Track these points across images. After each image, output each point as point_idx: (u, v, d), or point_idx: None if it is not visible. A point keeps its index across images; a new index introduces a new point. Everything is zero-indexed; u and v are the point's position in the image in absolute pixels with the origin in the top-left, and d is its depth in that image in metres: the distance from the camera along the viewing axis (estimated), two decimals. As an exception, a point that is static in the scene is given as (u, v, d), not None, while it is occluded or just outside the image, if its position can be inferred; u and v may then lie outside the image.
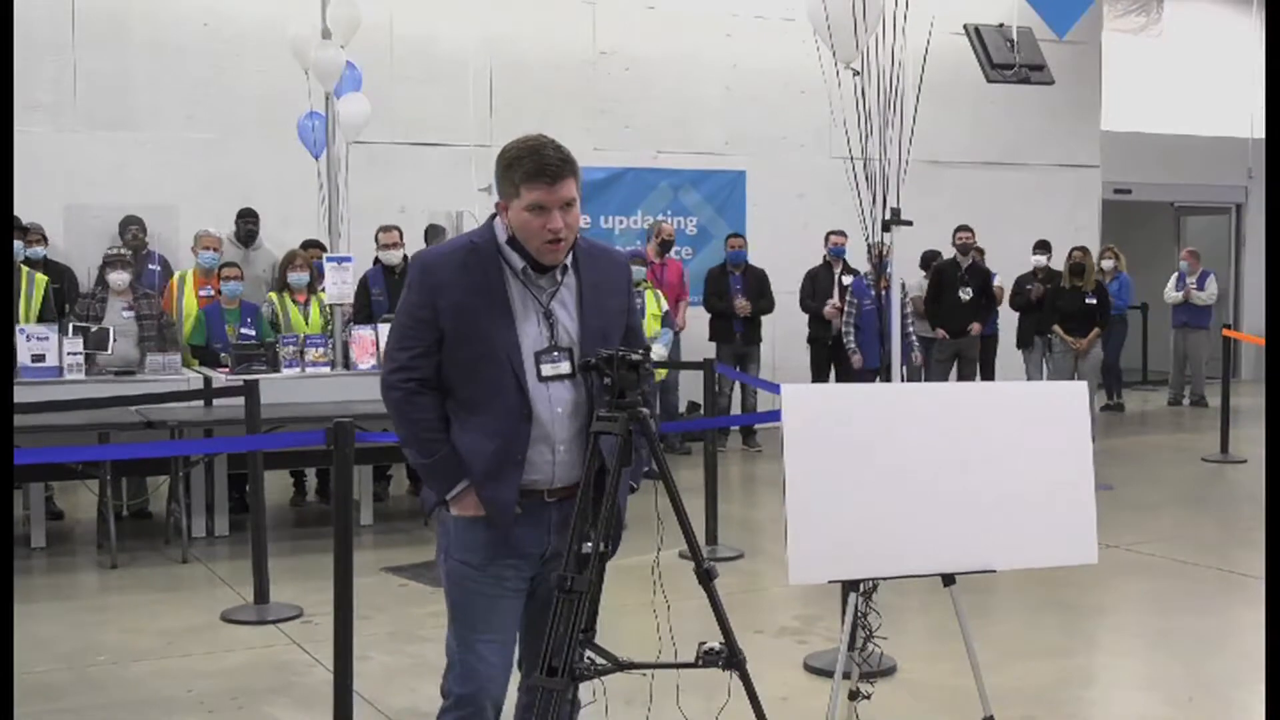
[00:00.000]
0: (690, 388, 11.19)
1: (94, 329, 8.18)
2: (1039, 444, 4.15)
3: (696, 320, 11.49)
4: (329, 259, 8.73)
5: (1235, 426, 11.22)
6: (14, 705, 3.38)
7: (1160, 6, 16.95)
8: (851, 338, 10.64)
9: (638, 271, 10.01)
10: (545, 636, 3.05)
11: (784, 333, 11.67)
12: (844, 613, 4.33)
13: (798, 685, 5.13)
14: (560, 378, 3.14)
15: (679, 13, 12.46)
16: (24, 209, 8.93)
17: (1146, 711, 5.03)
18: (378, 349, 8.26)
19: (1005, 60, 6.65)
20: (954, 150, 13.20)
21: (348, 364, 8.58)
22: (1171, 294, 14.40)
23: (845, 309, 10.78)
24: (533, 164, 3.06)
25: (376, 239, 9.55)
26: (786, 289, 11.47)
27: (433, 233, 10.54)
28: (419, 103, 11.35)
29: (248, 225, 10.08)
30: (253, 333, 8.73)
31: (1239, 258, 17.39)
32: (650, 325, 9.93)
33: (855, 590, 4.27)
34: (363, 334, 8.57)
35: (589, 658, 3.11)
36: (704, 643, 3.27)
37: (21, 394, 7.14)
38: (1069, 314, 11.14)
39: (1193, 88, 16.73)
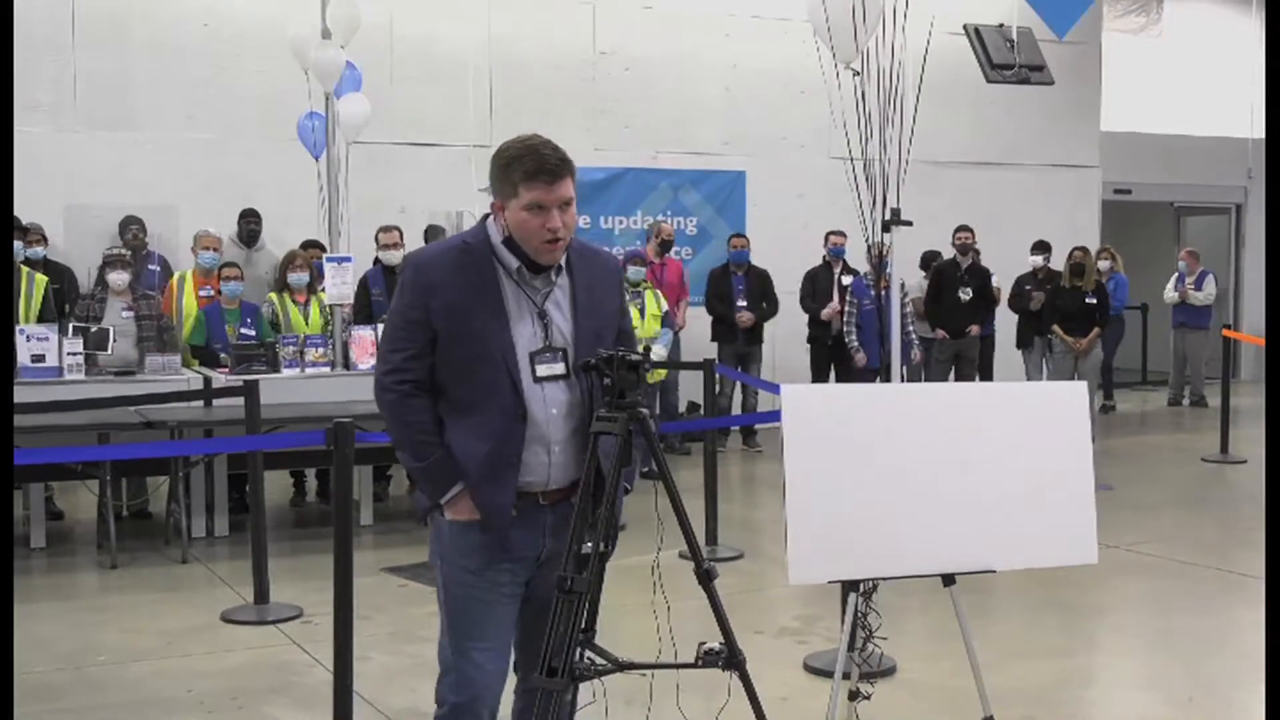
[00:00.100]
0: (690, 388, 11.19)
1: (94, 329, 8.18)
2: (1039, 444, 4.15)
3: (697, 320, 11.49)
4: (329, 259, 8.73)
5: (1235, 427, 11.22)
6: (14, 705, 3.38)
7: (1160, 7, 16.95)
8: (854, 337, 10.64)
9: (637, 272, 10.03)
10: (544, 639, 3.04)
11: (784, 333, 11.67)
12: (844, 613, 4.33)
13: (797, 685, 5.13)
14: (555, 378, 3.13)
15: (679, 13, 12.47)
16: (24, 209, 8.93)
17: (1146, 711, 5.03)
18: (378, 349, 8.26)
19: (1005, 60, 6.66)
20: (954, 150, 13.21)
21: (348, 364, 8.58)
22: (1169, 294, 14.41)
23: (845, 309, 10.79)
24: (532, 163, 3.05)
25: (376, 239, 9.56)
26: (786, 289, 11.47)
27: (433, 233, 10.54)
28: (419, 103, 11.35)
29: (250, 226, 10.08)
30: (253, 333, 8.73)
31: (1239, 258, 17.38)
32: (650, 325, 9.94)
33: (855, 590, 4.27)
34: (363, 334, 8.57)
35: (589, 658, 3.11)
36: (704, 643, 3.27)
37: (21, 394, 7.14)
38: (1069, 314, 11.14)
39: (1192, 88, 16.73)
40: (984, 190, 13.57)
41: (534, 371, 3.11)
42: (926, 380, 11.19)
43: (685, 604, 3.61)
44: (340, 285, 8.58)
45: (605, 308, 3.27)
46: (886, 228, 5.55)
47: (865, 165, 5.48)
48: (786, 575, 3.91)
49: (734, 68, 12.71)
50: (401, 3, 11.33)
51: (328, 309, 8.79)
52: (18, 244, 8.63)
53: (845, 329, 10.76)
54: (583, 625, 3.06)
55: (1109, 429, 12.57)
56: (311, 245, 9.72)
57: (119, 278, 8.47)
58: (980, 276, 11.67)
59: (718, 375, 8.70)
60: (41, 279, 8.59)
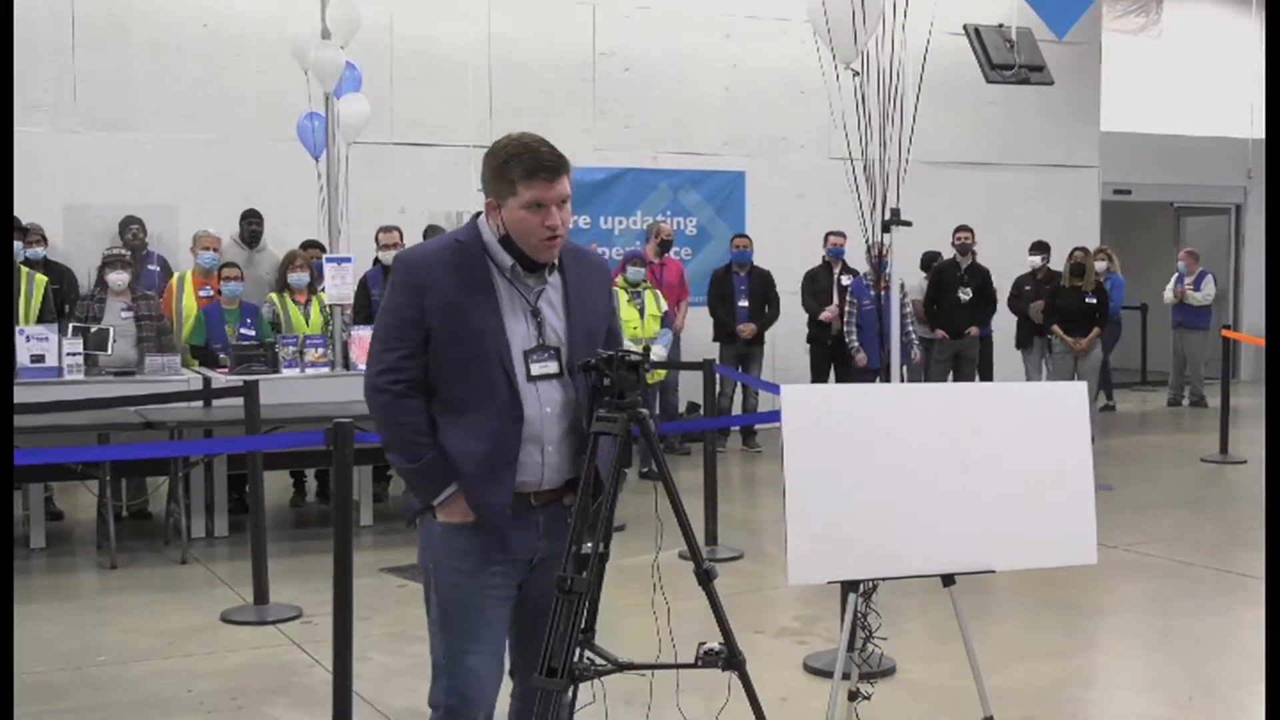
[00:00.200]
0: (690, 388, 11.19)
1: (93, 329, 8.18)
2: (1039, 444, 4.14)
3: (698, 321, 11.49)
4: (328, 259, 8.73)
5: (1235, 427, 11.22)
6: (14, 706, 3.38)
7: (1160, 7, 16.95)
8: (854, 337, 10.64)
9: (637, 272, 10.03)
10: (541, 640, 3.03)
11: (784, 333, 11.67)
12: (843, 613, 4.33)
13: (797, 686, 5.13)
14: (548, 377, 3.12)
15: (678, 13, 12.47)
16: (24, 209, 8.93)
17: (1146, 712, 5.03)
18: (369, 349, 8.26)
19: (1005, 61, 6.65)
20: (953, 151, 13.20)
21: (347, 364, 8.58)
22: (1168, 295, 14.41)
23: (845, 309, 10.79)
24: (531, 161, 3.04)
25: (376, 239, 9.57)
26: (786, 290, 11.47)
27: (432, 233, 10.53)
28: (419, 103, 11.35)
29: (251, 226, 10.08)
30: (253, 333, 8.73)
31: (1238, 258, 17.38)
32: (649, 325, 9.94)
33: (855, 591, 4.27)
34: (362, 334, 8.56)
35: (588, 658, 3.11)
36: (703, 643, 3.27)
37: (21, 394, 7.14)
38: (1069, 314, 11.14)
39: (1192, 88, 16.72)
40: (984, 190, 13.57)
41: (528, 370, 3.10)
42: (926, 381, 11.18)
43: (685, 604, 3.61)
44: (340, 285, 8.58)
45: (596, 307, 3.27)
46: (886, 228, 5.55)
47: (865, 165, 5.48)
48: (786, 575, 3.91)
49: (734, 68, 12.71)
50: (401, 3, 11.33)
51: (328, 309, 8.79)
52: (17, 244, 8.63)
53: (845, 329, 10.76)
54: (582, 625, 3.06)
55: (1109, 429, 12.57)
56: (311, 245, 9.72)
57: (119, 278, 8.47)
58: (980, 277, 11.67)
59: (718, 376, 8.70)
60: (41, 279, 8.59)
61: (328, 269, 8.64)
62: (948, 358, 11.57)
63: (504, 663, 3.26)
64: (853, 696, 4.42)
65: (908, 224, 5.55)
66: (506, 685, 3.31)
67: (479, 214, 3.20)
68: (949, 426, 4.09)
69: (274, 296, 9.01)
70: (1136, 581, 6.92)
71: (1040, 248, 12.39)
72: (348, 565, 4.77)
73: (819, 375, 11.25)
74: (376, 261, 9.41)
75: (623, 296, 9.97)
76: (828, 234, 11.30)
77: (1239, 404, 12.98)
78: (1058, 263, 12.02)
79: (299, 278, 8.89)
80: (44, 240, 9.32)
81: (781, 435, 3.92)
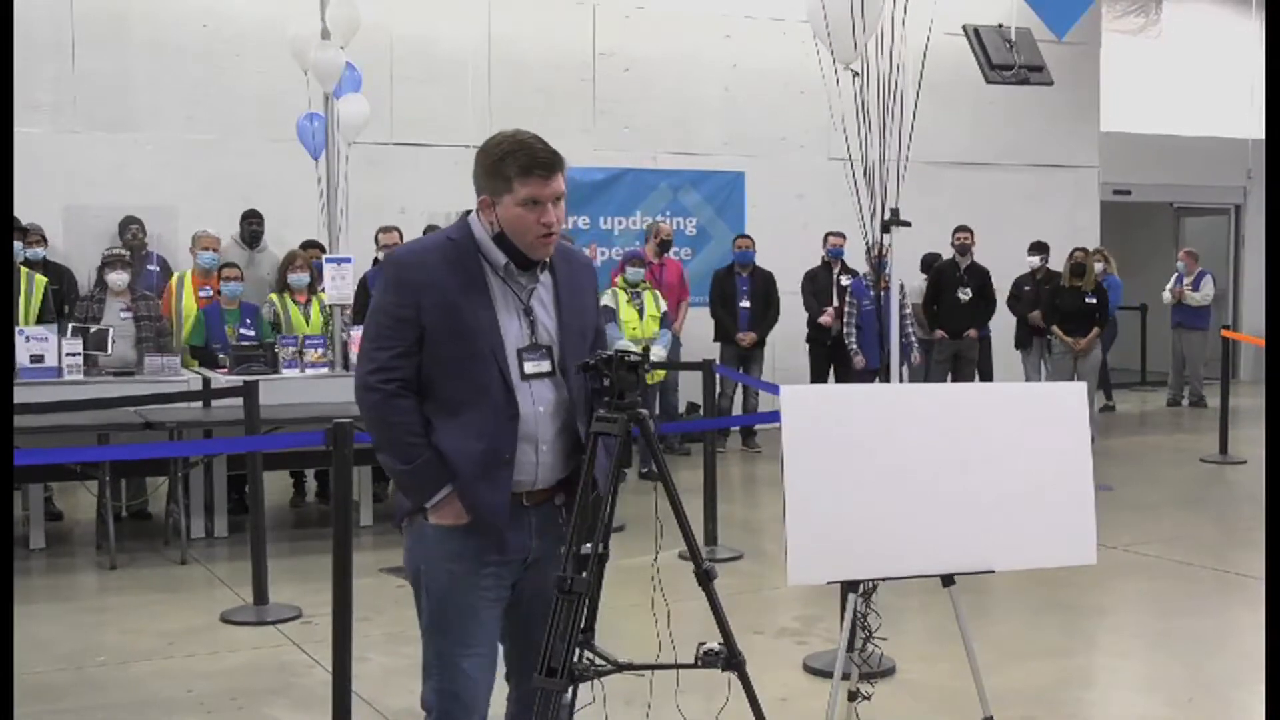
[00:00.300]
0: (690, 388, 11.19)
1: (93, 330, 8.18)
2: (1038, 444, 4.14)
3: (699, 321, 11.48)
4: (328, 259, 8.73)
5: (1234, 427, 11.22)
6: (14, 706, 3.38)
7: (1159, 7, 16.96)
8: (853, 338, 10.64)
9: (636, 273, 10.03)
10: (539, 641, 3.03)
11: (784, 334, 11.66)
12: (843, 613, 4.33)
13: (797, 686, 5.13)
14: (540, 376, 3.11)
15: (678, 14, 12.47)
16: (23, 209, 8.93)
17: (1146, 712, 5.04)
18: (360, 348, 8.25)
19: (1004, 61, 6.66)
20: (953, 151, 13.21)
21: (347, 364, 8.58)
22: (1166, 295, 14.41)
23: (845, 310, 10.78)
24: (527, 158, 3.02)
25: (376, 239, 9.57)
26: (785, 290, 11.47)
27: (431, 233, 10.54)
28: (418, 103, 11.36)
29: (252, 227, 10.09)
30: (252, 333, 8.73)
31: (1238, 258, 17.38)
32: (648, 326, 9.94)
33: (854, 591, 4.27)
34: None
35: (588, 658, 3.11)
36: (703, 643, 3.27)
37: (20, 395, 7.13)
38: (1068, 314, 11.14)
39: (1192, 89, 16.73)
40: (983, 191, 13.57)
41: (522, 369, 3.08)
42: (926, 381, 11.18)
43: (685, 604, 3.61)
44: (340, 286, 8.58)
45: (586, 306, 3.27)
46: (886, 228, 5.55)
47: (865, 166, 5.48)
48: (786, 576, 3.91)
49: (733, 68, 12.71)
50: (401, 3, 11.34)
51: (328, 309, 8.79)
52: (17, 244, 8.63)
53: (845, 330, 10.76)
54: (582, 626, 3.06)
55: (1108, 429, 12.57)
56: (311, 246, 9.72)
57: (118, 278, 8.47)
58: (979, 277, 11.67)
59: (718, 376, 8.70)
60: (41, 279, 8.60)
61: (327, 269, 8.64)
62: (947, 358, 11.57)
63: (497, 664, 3.25)
64: (852, 697, 4.42)
65: (907, 224, 5.55)
66: (500, 687, 3.30)
67: (468, 212, 3.18)
68: (948, 427, 4.09)
69: (274, 297, 9.01)
70: (1136, 582, 6.92)
71: (1039, 248, 12.39)
72: (347, 566, 4.76)
73: (818, 376, 11.25)
74: (376, 262, 9.41)
75: (622, 297, 9.97)
76: (827, 234, 11.30)
77: (1238, 404, 12.98)
78: (1057, 263, 12.03)
79: (299, 278, 8.89)
80: (44, 240, 9.32)
81: (781, 436, 3.92)
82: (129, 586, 6.92)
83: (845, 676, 4.30)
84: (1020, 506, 4.08)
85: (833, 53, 5.64)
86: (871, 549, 3.98)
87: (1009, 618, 6.20)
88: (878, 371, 6.33)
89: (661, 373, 10.15)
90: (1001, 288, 12.24)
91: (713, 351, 10.89)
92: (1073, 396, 4.25)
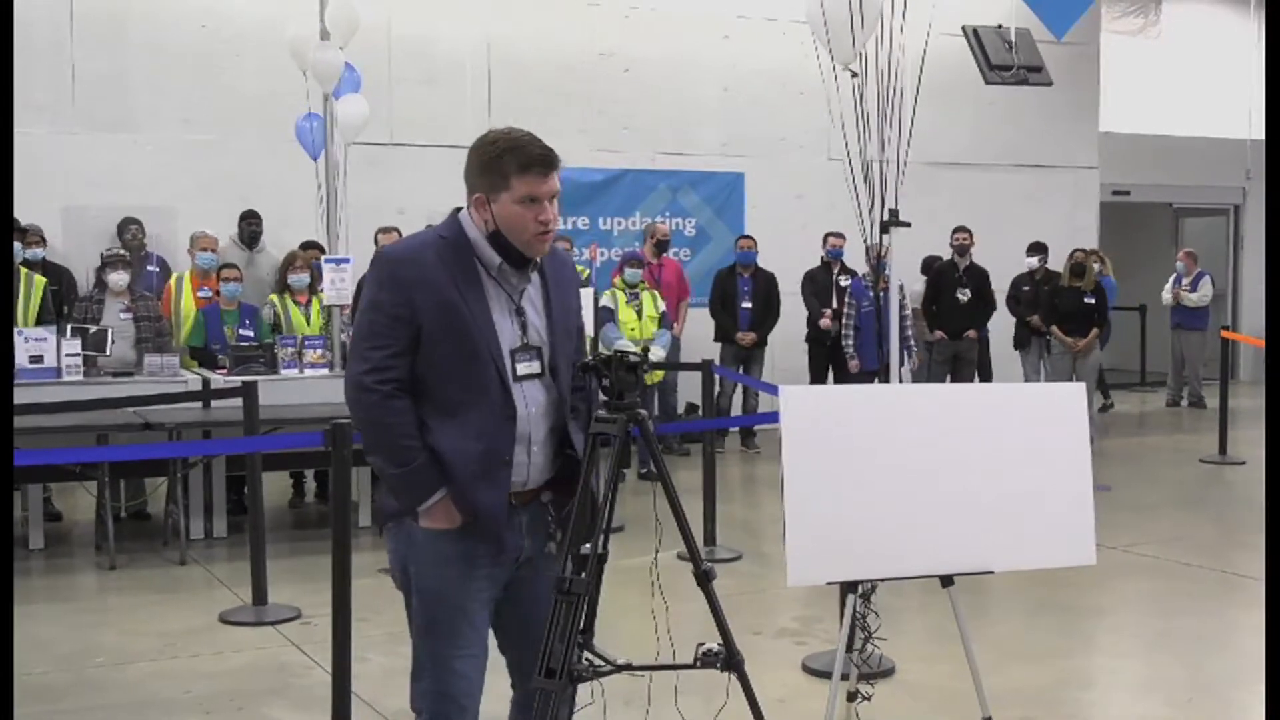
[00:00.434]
0: (689, 389, 11.19)
1: (92, 330, 8.18)
2: (1037, 445, 4.15)
3: (698, 321, 11.48)
4: (327, 260, 8.72)
5: (1234, 428, 11.22)
6: (14, 707, 3.38)
7: (1158, 8, 16.96)
8: (850, 340, 10.64)
9: (634, 274, 10.04)
10: (535, 640, 3.03)
11: (783, 334, 11.66)
12: (842, 614, 4.34)
13: (796, 686, 5.13)
14: (532, 377, 3.10)
15: (677, 14, 12.47)
16: (22, 210, 8.92)
17: (1145, 713, 5.04)
18: (352, 348, 8.24)
19: (1003, 62, 6.64)
20: (952, 152, 13.20)
21: (346, 365, 8.56)
22: (1165, 295, 14.41)
23: (844, 311, 10.78)
24: (526, 155, 3.01)
25: (375, 240, 9.56)
26: (785, 290, 11.47)
27: (431, 234, 10.52)
28: (417, 104, 11.36)
29: (251, 227, 10.09)
30: (251, 334, 8.73)
31: (1237, 259, 17.39)
32: (647, 327, 9.95)
33: (854, 591, 4.27)
34: (361, 335, 8.55)
35: (587, 659, 3.11)
36: (702, 644, 3.27)
37: (19, 395, 7.12)
38: (1067, 314, 11.14)
39: (1191, 89, 16.73)
40: (983, 191, 13.57)
41: (514, 370, 3.07)
42: (925, 383, 11.18)
43: (684, 605, 3.61)
44: (339, 286, 8.57)
45: (572, 305, 3.26)
46: (885, 229, 5.55)
47: (864, 167, 5.48)
48: (785, 576, 3.91)
49: (733, 69, 12.71)
50: (400, 4, 11.34)
51: (327, 310, 8.78)
52: (16, 245, 8.63)
53: (843, 331, 10.75)
54: (581, 626, 3.06)
55: (1107, 430, 12.57)
56: (310, 246, 9.71)
57: (118, 278, 8.47)
58: (978, 278, 11.67)
59: (717, 376, 8.70)
60: (40, 280, 8.59)
61: (326, 270, 8.63)
62: (946, 359, 11.57)
63: (487, 663, 3.23)
64: (852, 697, 4.43)
65: (906, 225, 5.55)
66: (495, 687, 3.30)
67: (459, 209, 3.15)
68: (948, 427, 4.09)
69: (275, 298, 9.01)
70: (1135, 582, 6.92)
71: (1037, 249, 12.40)
72: (346, 566, 4.76)
73: (818, 376, 11.25)
74: (376, 262, 9.39)
75: (621, 298, 9.98)
76: (827, 235, 11.30)
77: (1238, 405, 12.99)
78: (1056, 263, 12.03)
79: (299, 279, 8.89)
80: (43, 241, 9.31)
81: (781, 436, 3.92)
82: (128, 587, 6.92)
83: (844, 677, 4.30)
84: (1019, 507, 4.09)
85: (831, 53, 5.64)
86: (871, 549, 3.99)
87: (1008, 618, 6.20)
88: (877, 373, 6.33)
89: (660, 373, 10.15)
90: (1000, 288, 12.25)
91: (712, 352, 10.88)
92: (1072, 397, 4.26)
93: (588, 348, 8.63)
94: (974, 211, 12.58)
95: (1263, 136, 13.40)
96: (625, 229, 12.45)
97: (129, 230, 10.02)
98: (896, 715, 4.79)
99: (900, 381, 6.48)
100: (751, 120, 12.75)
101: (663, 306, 10.16)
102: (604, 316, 9.63)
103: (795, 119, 12.47)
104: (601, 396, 3.18)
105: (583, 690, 3.23)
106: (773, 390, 6.60)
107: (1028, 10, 6.43)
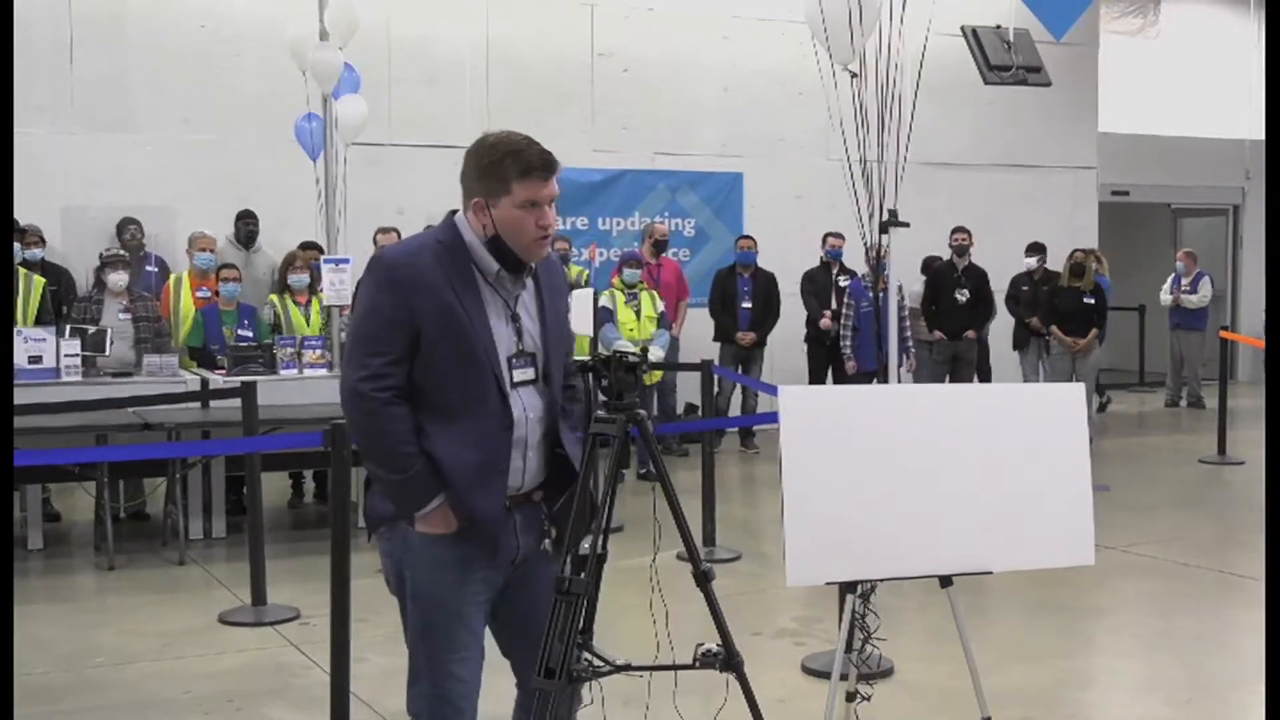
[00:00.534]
0: (688, 389, 11.19)
1: (91, 330, 8.17)
2: (1036, 445, 4.14)
3: (697, 322, 11.49)
4: (326, 260, 8.72)
5: (1233, 428, 11.22)
6: (14, 707, 3.38)
7: (1158, 8, 16.97)
8: (848, 341, 10.64)
9: (633, 274, 10.04)
10: (535, 639, 3.03)
11: (782, 334, 11.66)
12: (841, 614, 4.34)
13: (795, 687, 5.13)
14: (527, 383, 3.10)
15: (677, 14, 12.47)
16: (22, 210, 8.93)
17: (1145, 713, 5.04)
18: (348, 353, 8.23)
19: (1002, 62, 6.65)
20: (952, 152, 13.20)
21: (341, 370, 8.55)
22: (1164, 297, 14.41)
23: (843, 311, 10.78)
24: (526, 160, 3.00)
25: (375, 240, 9.56)
26: (784, 291, 11.48)
27: (430, 235, 10.52)
28: (417, 104, 11.36)
29: (248, 227, 10.07)
30: (250, 334, 8.73)
31: (1236, 259, 17.39)
32: (645, 327, 9.95)
33: (853, 592, 4.27)
34: (360, 336, 8.54)
35: (586, 659, 3.11)
36: (701, 644, 3.27)
37: (18, 396, 7.10)
38: (1067, 314, 11.15)
39: (1190, 89, 16.74)
40: (982, 192, 13.57)
41: (510, 377, 3.06)
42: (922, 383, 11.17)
43: (683, 605, 3.61)
44: (338, 287, 8.57)
45: (563, 311, 3.26)
46: (884, 229, 5.55)
47: (863, 167, 5.48)
48: (784, 577, 3.91)
49: (732, 69, 12.71)
50: (400, 4, 11.34)
51: (326, 310, 8.78)
52: (15, 245, 8.63)
53: (841, 332, 10.75)
54: (580, 627, 3.06)
55: (1106, 430, 12.57)
56: (310, 247, 9.71)
57: (117, 278, 8.47)
58: (977, 278, 11.67)
59: (716, 377, 8.71)
60: (39, 280, 8.59)
61: (325, 270, 8.63)
62: (945, 359, 11.57)
63: (484, 660, 3.23)
64: (851, 697, 4.43)
65: (905, 225, 5.55)
66: (494, 688, 3.30)
67: (454, 212, 3.14)
68: (947, 427, 4.09)
69: (274, 298, 9.01)
70: (1134, 583, 6.92)
71: (1036, 249, 12.40)
72: (345, 566, 4.76)
73: (817, 376, 11.25)
74: (375, 263, 9.38)
75: (619, 298, 9.98)
76: (826, 235, 11.31)
77: (1237, 405, 12.99)
78: (1055, 264, 12.03)
79: (299, 279, 8.90)
80: (42, 241, 9.32)
81: (780, 436, 3.92)
82: (127, 587, 6.91)
83: (844, 677, 4.30)
84: (1018, 507, 4.09)
85: (830, 54, 5.64)
86: (870, 550, 3.99)
87: (1007, 618, 6.20)
88: (875, 373, 6.33)
89: (659, 373, 10.16)
90: (1000, 289, 12.25)
91: (711, 352, 10.88)
92: (1071, 397, 4.26)
93: (587, 348, 8.64)
94: (973, 212, 12.58)
95: (1262, 137, 13.41)
96: (624, 229, 12.45)
97: (128, 230, 10.02)
98: (896, 715, 4.79)
99: (899, 382, 6.48)
100: (751, 120, 12.75)
101: (661, 307, 10.16)
102: (603, 317, 9.64)
103: (794, 119, 12.48)
104: (601, 397, 3.18)
105: (582, 691, 3.23)
106: (772, 390, 6.60)
107: (1026, 10, 6.43)
